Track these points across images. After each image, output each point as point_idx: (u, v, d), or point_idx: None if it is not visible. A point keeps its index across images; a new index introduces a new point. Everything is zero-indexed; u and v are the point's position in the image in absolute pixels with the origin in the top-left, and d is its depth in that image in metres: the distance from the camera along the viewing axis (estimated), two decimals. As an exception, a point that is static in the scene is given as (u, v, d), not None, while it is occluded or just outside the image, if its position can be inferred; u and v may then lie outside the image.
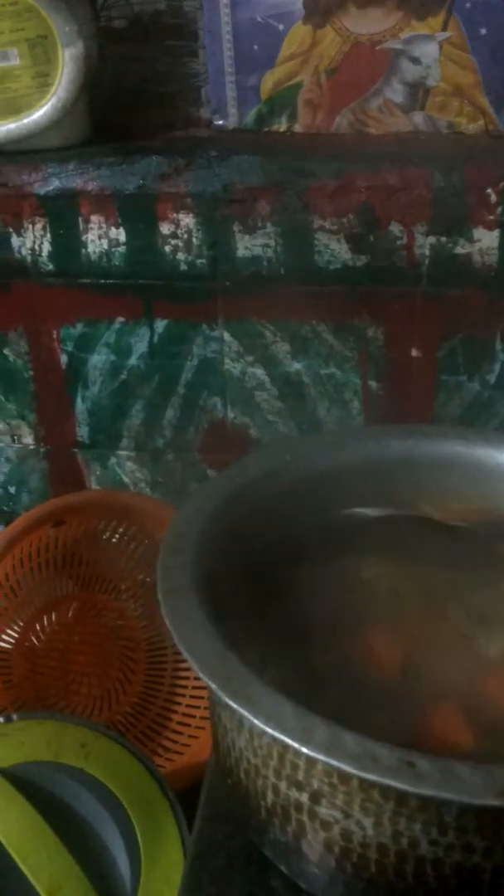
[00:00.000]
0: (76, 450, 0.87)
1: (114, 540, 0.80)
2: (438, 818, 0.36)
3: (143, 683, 0.78)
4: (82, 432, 0.86)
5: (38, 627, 0.77)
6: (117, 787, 0.54)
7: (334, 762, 0.34)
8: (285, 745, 0.36)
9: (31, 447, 0.87)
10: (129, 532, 0.79)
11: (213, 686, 0.38)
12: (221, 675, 0.38)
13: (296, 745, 0.35)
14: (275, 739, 0.36)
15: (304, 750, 0.35)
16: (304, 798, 0.40)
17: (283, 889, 0.47)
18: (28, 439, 0.87)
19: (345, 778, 0.37)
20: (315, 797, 0.39)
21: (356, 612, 0.48)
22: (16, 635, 0.76)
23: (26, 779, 0.53)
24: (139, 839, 0.53)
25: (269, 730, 0.36)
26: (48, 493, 0.89)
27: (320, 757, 0.34)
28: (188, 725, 0.75)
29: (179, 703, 0.77)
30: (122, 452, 0.86)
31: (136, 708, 0.77)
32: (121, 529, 0.79)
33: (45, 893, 0.49)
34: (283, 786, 0.40)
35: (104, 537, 0.80)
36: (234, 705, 0.37)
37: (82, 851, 0.52)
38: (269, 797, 0.42)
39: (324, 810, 0.39)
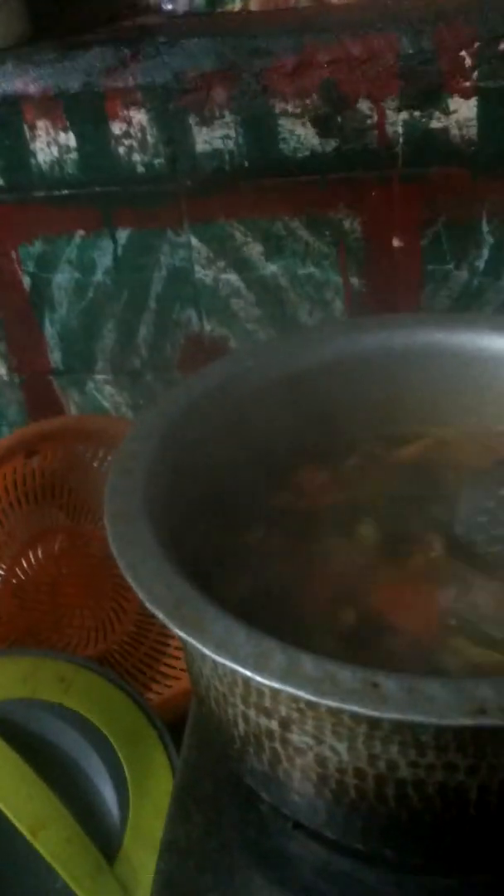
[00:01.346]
0: (51, 377, 0.83)
1: (94, 465, 0.77)
2: (414, 739, 0.33)
3: (138, 612, 0.76)
4: (55, 358, 0.82)
5: (24, 563, 0.74)
6: (100, 720, 0.52)
7: (290, 689, 0.31)
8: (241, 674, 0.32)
9: (5, 378, 0.84)
10: (109, 456, 0.76)
11: (161, 615, 0.35)
12: (169, 602, 0.35)
13: (249, 672, 0.32)
14: (228, 667, 0.33)
15: (258, 678, 0.32)
16: (275, 725, 0.37)
17: (271, 815, 0.45)
18: (1, 370, 0.83)
19: (311, 703, 0.34)
20: (285, 724, 0.36)
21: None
22: (2, 572, 0.73)
23: (2, 717, 0.51)
24: (126, 771, 0.51)
25: (220, 658, 0.32)
26: (28, 424, 0.86)
27: (275, 685, 0.31)
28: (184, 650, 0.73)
29: (176, 629, 0.74)
30: (99, 376, 0.82)
31: (132, 637, 0.75)
32: (100, 454, 0.76)
33: (28, 833, 0.47)
34: (252, 713, 0.37)
35: (84, 464, 0.76)
36: (183, 634, 0.34)
37: (66, 788, 0.50)
38: (241, 725, 0.39)
39: (295, 737, 0.36)
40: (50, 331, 0.80)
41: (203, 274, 0.75)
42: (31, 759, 0.49)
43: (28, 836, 0.47)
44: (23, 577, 0.74)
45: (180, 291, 0.76)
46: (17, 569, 0.74)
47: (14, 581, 0.74)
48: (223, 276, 0.75)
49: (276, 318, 0.76)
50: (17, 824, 0.47)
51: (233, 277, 0.75)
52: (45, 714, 0.52)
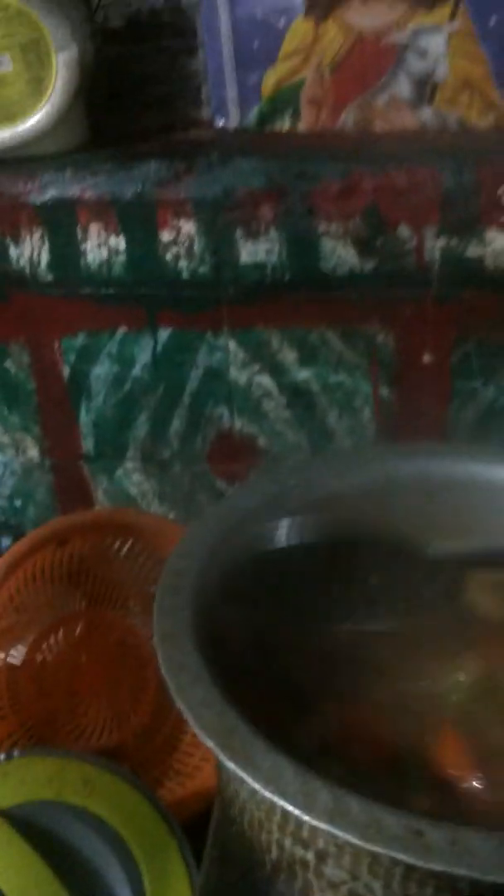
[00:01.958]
0: (82, 462, 0.85)
1: (121, 555, 0.78)
2: (451, 885, 0.34)
3: (154, 703, 0.76)
4: (87, 444, 0.84)
5: (45, 647, 0.75)
6: (122, 827, 0.53)
7: (338, 832, 0.32)
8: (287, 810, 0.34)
9: (36, 460, 0.86)
10: (137, 547, 0.77)
11: (211, 744, 0.36)
12: (219, 731, 0.36)
13: (297, 812, 0.33)
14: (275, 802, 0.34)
15: (306, 818, 0.33)
16: (310, 856, 0.38)
17: (294, 937, 0.46)
18: (33, 452, 0.85)
19: (350, 841, 0.35)
20: (321, 856, 0.37)
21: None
22: (23, 655, 0.74)
23: (27, 819, 0.51)
24: (145, 880, 0.51)
25: (268, 794, 0.34)
26: (54, 506, 0.88)
27: (323, 826, 0.32)
28: (200, 748, 0.73)
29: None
30: (129, 464, 0.84)
31: (147, 729, 0.75)
32: (128, 545, 0.77)
33: (47, 939, 0.48)
34: (287, 842, 0.38)
35: (111, 553, 0.78)
36: (233, 766, 0.35)
37: (85, 894, 0.50)
38: (275, 852, 0.40)
39: (330, 870, 0.37)
40: (84, 418, 0.82)
41: (238, 375, 0.77)
42: (53, 863, 0.50)
43: (47, 943, 0.47)
44: (42, 662, 0.75)
45: (215, 389, 0.78)
46: (37, 653, 0.75)
47: (34, 665, 0.74)
48: (257, 378, 0.77)
49: (305, 422, 0.78)
50: (37, 930, 0.47)
51: (266, 380, 0.77)
52: (70, 817, 0.52)
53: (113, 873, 0.51)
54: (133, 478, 0.85)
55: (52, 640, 0.76)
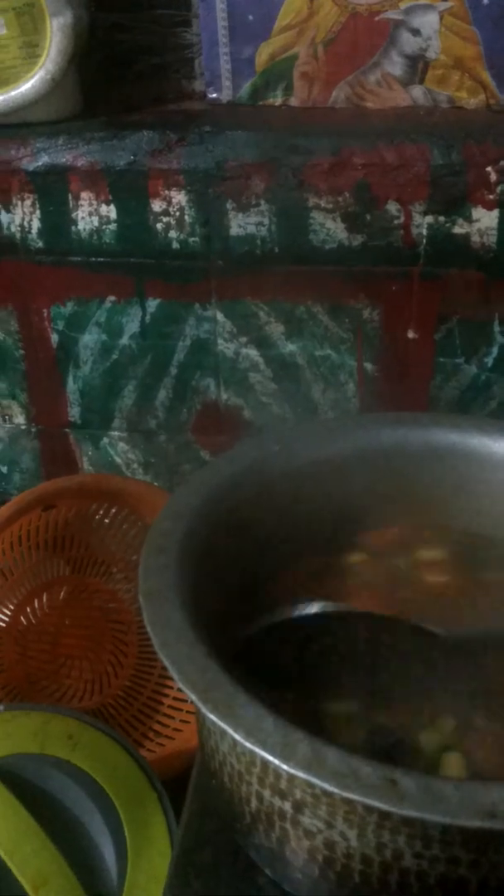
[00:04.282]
0: (68, 430, 0.86)
1: (106, 522, 0.79)
2: (423, 832, 0.36)
3: (135, 667, 0.78)
4: (74, 412, 0.84)
5: (28, 611, 0.76)
6: (104, 779, 0.54)
7: (315, 780, 0.34)
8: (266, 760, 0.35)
9: (23, 427, 0.86)
10: (122, 514, 0.78)
11: (193, 697, 0.37)
12: (201, 685, 0.37)
13: (276, 761, 0.34)
14: (255, 753, 0.35)
15: (285, 767, 0.34)
16: (288, 807, 0.39)
17: (270, 887, 0.47)
18: (19, 419, 0.86)
19: (327, 791, 0.36)
20: (298, 806, 0.39)
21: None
22: (6, 619, 0.75)
23: (12, 771, 0.53)
24: (126, 831, 0.53)
25: (248, 745, 0.35)
26: (40, 473, 0.89)
27: (300, 774, 0.34)
28: (179, 710, 0.75)
29: (171, 687, 0.76)
30: (115, 433, 0.85)
31: (128, 691, 0.77)
32: (113, 511, 0.78)
33: (30, 887, 0.49)
34: (266, 793, 0.40)
35: (96, 519, 0.79)
36: (214, 718, 0.36)
37: (69, 844, 0.51)
38: (254, 803, 0.41)
39: (307, 820, 0.39)
40: (72, 386, 0.83)
41: (225, 347, 0.78)
42: (38, 814, 0.51)
43: (30, 891, 0.49)
44: (26, 625, 0.76)
45: (202, 361, 0.79)
46: (21, 617, 0.76)
47: (18, 628, 0.76)
48: (244, 350, 0.78)
49: (290, 394, 0.79)
50: (21, 879, 0.49)
51: (253, 353, 0.78)
52: (53, 770, 0.53)
53: (95, 824, 0.52)
54: (119, 447, 0.86)
55: (35, 604, 0.77)
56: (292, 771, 0.34)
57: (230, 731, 0.36)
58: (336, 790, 0.33)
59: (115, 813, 0.53)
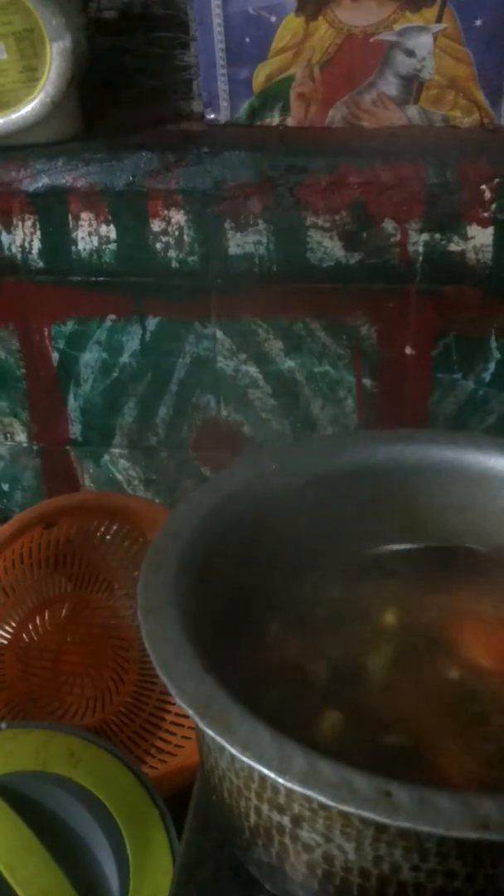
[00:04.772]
0: (69, 447, 0.86)
1: (107, 539, 0.79)
2: (419, 844, 0.36)
3: (136, 683, 0.78)
4: (75, 430, 0.85)
5: (30, 628, 0.77)
6: (106, 797, 0.54)
7: (311, 793, 0.34)
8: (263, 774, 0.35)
9: (24, 445, 0.87)
10: (123, 531, 0.79)
11: (191, 712, 0.37)
12: (199, 700, 0.38)
13: (273, 775, 0.35)
14: (252, 767, 0.35)
15: (281, 780, 0.34)
16: (286, 821, 0.39)
17: (270, 903, 0.47)
18: (21, 437, 0.87)
19: (324, 804, 0.36)
20: (296, 821, 0.39)
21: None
22: (8, 636, 0.76)
23: (14, 789, 0.53)
24: (128, 849, 0.53)
25: (245, 759, 0.35)
26: (41, 491, 0.89)
27: (296, 787, 0.34)
28: (181, 726, 0.75)
29: (173, 703, 0.77)
30: (116, 450, 0.85)
31: (129, 708, 0.77)
32: (114, 528, 0.79)
33: (32, 905, 0.49)
34: (264, 808, 0.40)
35: (97, 536, 0.79)
36: (212, 733, 0.36)
37: (71, 862, 0.52)
38: (252, 818, 0.41)
39: (305, 834, 0.39)
40: (73, 404, 0.83)
41: (224, 364, 0.79)
42: (39, 832, 0.51)
43: (32, 909, 0.49)
44: (28, 643, 0.77)
45: (201, 378, 0.80)
46: (23, 634, 0.77)
47: (20, 645, 0.76)
48: (243, 367, 0.79)
49: (290, 410, 0.80)
50: (22, 896, 0.49)
51: (252, 369, 0.79)
52: (55, 787, 0.54)
53: (97, 841, 0.52)
54: (120, 464, 0.86)
55: (37, 622, 0.78)
56: (288, 784, 0.34)
57: (227, 745, 0.36)
58: (331, 802, 0.34)
59: (117, 830, 0.53)
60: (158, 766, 0.72)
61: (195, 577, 0.46)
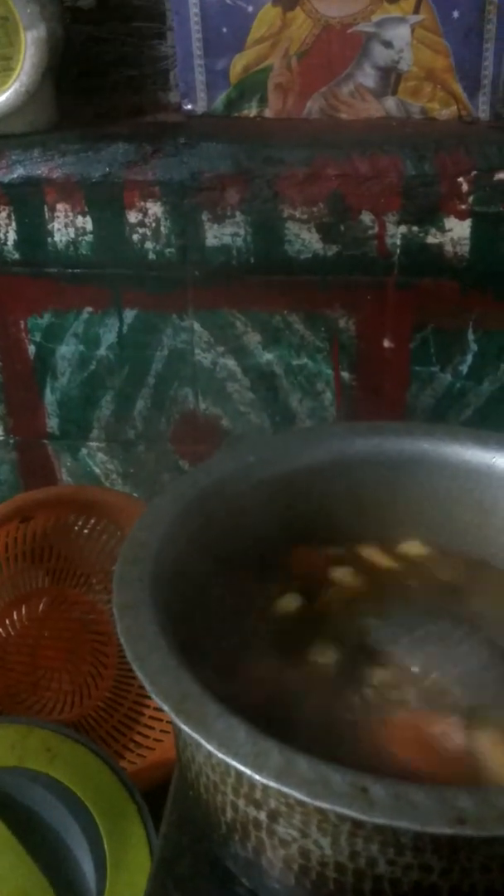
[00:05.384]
0: (46, 441, 0.86)
1: (85, 533, 0.79)
2: (395, 839, 0.36)
3: (115, 678, 0.78)
4: (52, 423, 0.84)
5: (7, 622, 0.76)
6: (83, 792, 0.54)
7: (286, 789, 0.34)
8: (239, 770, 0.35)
9: (0, 438, 0.86)
10: (101, 525, 0.79)
11: (167, 708, 0.37)
12: (175, 696, 0.38)
13: (248, 771, 0.34)
14: (228, 763, 0.35)
15: (257, 777, 0.34)
16: (263, 816, 0.39)
17: (247, 897, 0.47)
18: (-3, 430, 0.86)
19: (300, 800, 0.36)
20: (273, 816, 0.39)
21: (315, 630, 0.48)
22: (-15, 631, 0.75)
23: (-10, 786, 0.53)
24: (105, 844, 0.53)
25: (221, 755, 0.35)
26: (18, 484, 0.88)
27: (272, 784, 0.34)
28: (159, 721, 0.75)
29: (151, 698, 0.76)
30: (93, 443, 0.85)
31: (108, 703, 0.77)
32: (92, 522, 0.78)
33: (8, 902, 0.49)
34: (241, 803, 0.40)
35: (75, 530, 0.79)
36: (187, 729, 0.36)
37: (47, 858, 0.51)
38: (229, 813, 0.41)
39: (282, 829, 0.39)
40: (50, 398, 0.83)
41: (202, 357, 0.78)
42: (15, 828, 0.51)
43: (8, 905, 0.49)
44: (5, 637, 0.76)
45: (179, 371, 0.79)
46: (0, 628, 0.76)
47: (-4, 641, 0.75)
48: (221, 360, 0.78)
49: (268, 403, 0.80)
50: (-1, 893, 0.49)
51: (230, 362, 0.78)
52: (31, 783, 0.53)
53: (74, 837, 0.52)
54: (97, 457, 0.85)
55: (14, 616, 0.77)
56: (264, 780, 0.34)
57: (203, 741, 0.36)
58: (307, 798, 0.33)
59: (94, 826, 0.53)
60: (137, 761, 0.72)
61: (172, 572, 0.46)
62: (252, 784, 0.38)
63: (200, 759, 0.42)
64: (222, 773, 0.40)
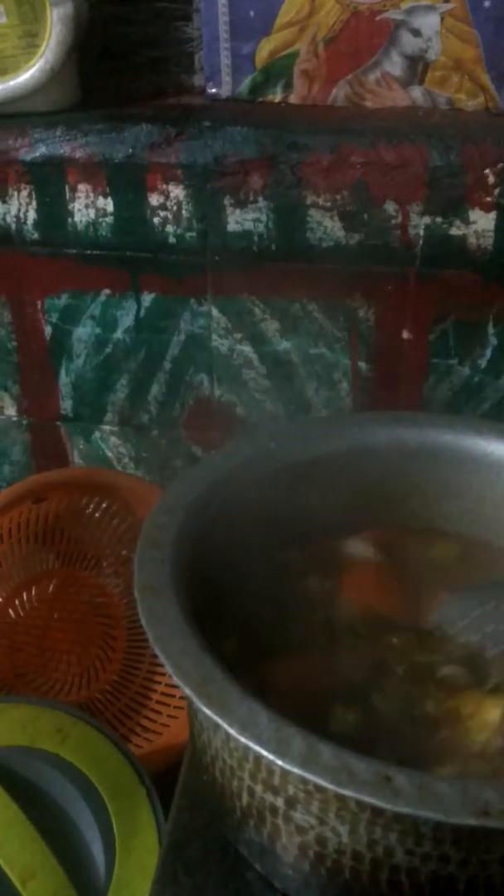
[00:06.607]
0: (59, 423, 0.85)
1: (96, 516, 0.79)
2: (414, 829, 0.36)
3: (123, 661, 0.78)
4: (66, 405, 0.84)
5: (17, 603, 0.76)
6: (93, 773, 0.54)
7: (310, 776, 0.34)
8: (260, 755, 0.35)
9: (14, 419, 0.86)
10: (112, 508, 0.78)
11: (188, 692, 0.37)
12: (196, 679, 0.37)
13: (271, 756, 0.34)
14: (249, 748, 0.35)
15: (280, 763, 0.34)
16: (280, 802, 0.39)
17: (258, 882, 0.47)
18: (10, 411, 0.86)
19: (320, 787, 0.36)
20: (290, 802, 0.39)
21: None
22: (-5, 611, 0.75)
23: (1, 764, 0.53)
24: (114, 826, 0.53)
25: (243, 740, 0.35)
26: (30, 466, 0.88)
27: (295, 770, 0.34)
28: (167, 705, 0.75)
29: (159, 683, 0.76)
30: (106, 427, 0.84)
31: (116, 686, 0.77)
32: (104, 505, 0.78)
33: (18, 881, 0.49)
34: (258, 789, 0.40)
35: (87, 513, 0.78)
36: (209, 712, 0.36)
37: (57, 838, 0.51)
38: (245, 798, 0.41)
39: (299, 815, 0.39)
40: (64, 379, 0.82)
41: (219, 343, 0.78)
42: (26, 807, 0.51)
43: (17, 885, 0.49)
44: (14, 618, 0.76)
45: (196, 356, 0.79)
46: (9, 609, 0.76)
47: (6, 621, 0.75)
48: (238, 346, 0.78)
49: (284, 392, 0.79)
50: (9, 872, 0.49)
51: (247, 349, 0.78)
52: (42, 763, 0.53)
53: (83, 817, 0.52)
54: (110, 441, 0.85)
55: (24, 598, 0.77)
56: (287, 766, 0.34)
57: (225, 725, 0.36)
58: (331, 786, 0.33)
59: (103, 807, 0.53)
60: (144, 745, 0.72)
61: (192, 555, 0.46)
62: (271, 770, 0.38)
63: (217, 744, 0.42)
64: (240, 758, 0.40)
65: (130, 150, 0.71)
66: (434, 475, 0.56)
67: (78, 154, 0.72)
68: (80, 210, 0.74)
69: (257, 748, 0.35)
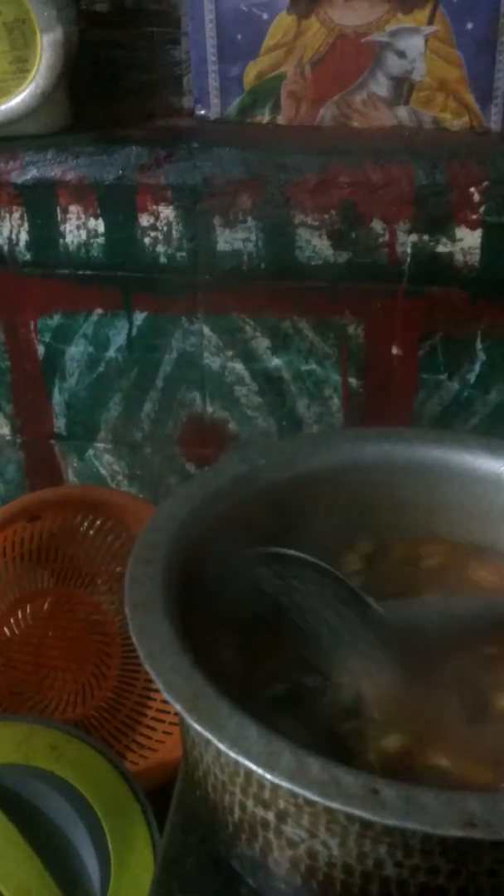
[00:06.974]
0: (53, 441, 0.86)
1: (91, 533, 0.79)
2: (403, 841, 0.36)
3: (118, 679, 0.78)
4: (59, 424, 0.85)
5: (12, 622, 0.76)
6: (88, 791, 0.54)
7: (298, 789, 0.34)
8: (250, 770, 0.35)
9: (8, 438, 0.87)
10: (107, 526, 0.79)
11: (179, 707, 0.37)
12: (187, 695, 0.38)
13: (261, 770, 0.35)
14: (239, 762, 0.36)
15: (269, 777, 0.35)
16: (271, 816, 0.40)
17: (251, 898, 0.48)
18: (4, 430, 0.86)
19: (310, 800, 0.37)
20: (281, 816, 0.39)
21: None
22: (-10, 630, 0.75)
23: (-4, 783, 0.53)
24: (109, 843, 0.53)
25: (233, 754, 0.35)
26: (24, 484, 0.89)
27: (284, 784, 0.34)
28: (162, 722, 0.75)
29: (154, 700, 0.77)
30: (100, 445, 0.85)
31: (110, 703, 0.77)
32: (98, 523, 0.79)
33: (12, 899, 0.49)
34: (249, 803, 0.40)
35: (81, 531, 0.79)
36: (199, 728, 0.36)
37: (52, 856, 0.52)
38: (237, 813, 0.42)
39: (290, 829, 0.39)
40: (58, 398, 0.83)
41: (211, 360, 0.79)
42: (21, 825, 0.51)
43: (12, 902, 0.49)
44: (9, 636, 0.76)
45: (188, 374, 0.80)
46: (4, 627, 0.76)
47: (1, 639, 0.76)
48: (230, 364, 0.79)
49: (276, 408, 0.80)
50: (4, 890, 0.49)
51: (239, 366, 0.79)
52: (37, 781, 0.53)
53: (78, 835, 0.52)
54: (104, 458, 0.86)
55: (19, 616, 0.77)
56: (276, 780, 0.35)
57: (214, 740, 0.36)
58: (319, 799, 0.34)
59: (98, 824, 0.53)
60: (139, 762, 0.72)
61: (183, 572, 0.46)
62: (261, 784, 0.39)
63: (209, 759, 0.42)
64: (231, 773, 0.40)
65: (121, 172, 0.72)
66: (423, 491, 0.56)
67: (69, 176, 0.73)
68: (71, 231, 0.75)
69: (247, 763, 0.35)
